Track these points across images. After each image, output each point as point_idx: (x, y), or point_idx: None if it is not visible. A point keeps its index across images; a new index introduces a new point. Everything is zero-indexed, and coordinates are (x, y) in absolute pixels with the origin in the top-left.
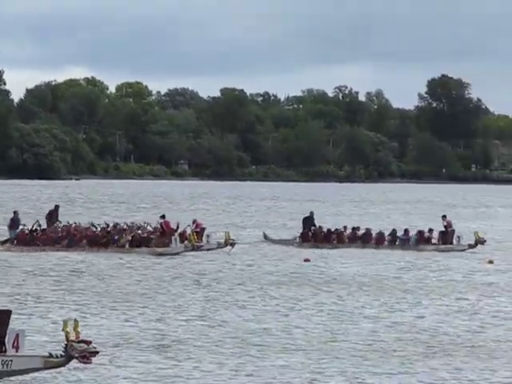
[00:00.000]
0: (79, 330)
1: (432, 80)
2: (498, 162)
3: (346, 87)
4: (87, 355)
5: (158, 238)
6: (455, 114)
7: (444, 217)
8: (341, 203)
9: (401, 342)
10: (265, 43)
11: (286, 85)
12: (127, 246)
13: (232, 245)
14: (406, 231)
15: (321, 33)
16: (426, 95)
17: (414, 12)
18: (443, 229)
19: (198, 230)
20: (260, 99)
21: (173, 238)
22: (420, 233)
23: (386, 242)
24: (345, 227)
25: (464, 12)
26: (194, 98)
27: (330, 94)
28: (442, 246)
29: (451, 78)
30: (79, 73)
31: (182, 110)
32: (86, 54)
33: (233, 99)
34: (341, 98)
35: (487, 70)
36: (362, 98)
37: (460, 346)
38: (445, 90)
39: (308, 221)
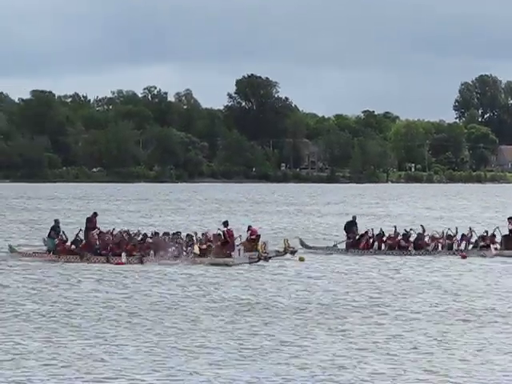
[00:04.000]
0: None
1: (240, 80)
2: (307, 160)
3: (155, 88)
4: None
5: (218, 248)
6: (264, 113)
7: (510, 219)
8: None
9: None
10: (73, 44)
11: (95, 86)
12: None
13: (292, 253)
14: (464, 236)
15: (128, 33)
16: (234, 95)
17: (218, 12)
18: (507, 232)
19: (253, 237)
20: (69, 100)
21: (236, 247)
22: (482, 237)
23: (440, 247)
24: (395, 232)
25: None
26: (4, 100)
27: (140, 95)
28: (506, 252)
29: (259, 77)
30: None
31: None
32: None
33: (42, 101)
34: (150, 98)
35: (294, 70)
36: (171, 98)
37: None
38: (253, 89)
39: (351, 226)
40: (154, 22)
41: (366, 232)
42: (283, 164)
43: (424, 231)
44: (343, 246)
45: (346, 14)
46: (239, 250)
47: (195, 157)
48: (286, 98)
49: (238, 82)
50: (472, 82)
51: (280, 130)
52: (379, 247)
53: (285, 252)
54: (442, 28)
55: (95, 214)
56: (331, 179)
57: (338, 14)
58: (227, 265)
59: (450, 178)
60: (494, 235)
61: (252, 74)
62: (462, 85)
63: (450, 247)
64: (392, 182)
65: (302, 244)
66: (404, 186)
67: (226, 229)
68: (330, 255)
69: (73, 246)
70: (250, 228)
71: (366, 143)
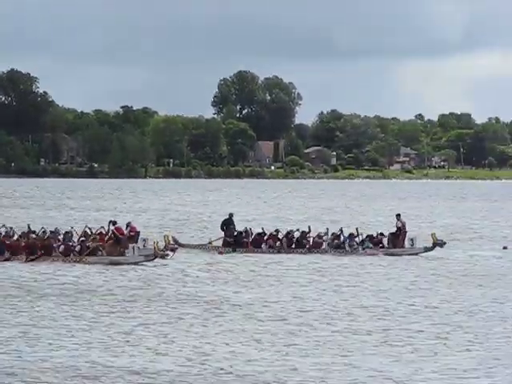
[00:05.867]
0: None
1: None
2: (67, 155)
3: None
4: None
5: (111, 246)
6: (23, 108)
7: (398, 216)
8: None
9: None
10: None
11: None
12: (72, 255)
13: (173, 250)
14: (352, 235)
15: None
16: None
17: None
18: (394, 230)
19: (132, 233)
20: None
21: (130, 245)
22: (369, 236)
23: (325, 246)
24: (277, 230)
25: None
26: None
27: None
28: (393, 250)
29: (19, 72)
30: None
31: None
32: None
33: None
34: None
35: (53, 65)
36: None
37: None
38: (13, 84)
39: (228, 223)
40: None
41: (246, 230)
42: (42, 159)
43: (309, 231)
44: (219, 243)
45: (111, 11)
46: (133, 247)
47: None
48: (45, 93)
49: None
50: (230, 77)
51: (39, 125)
52: (259, 245)
53: (165, 249)
54: (202, 24)
55: None
56: (90, 174)
57: (103, 11)
58: (121, 263)
59: (209, 173)
60: (382, 234)
61: (12, 69)
62: (220, 81)
63: (338, 246)
64: (150, 177)
65: (175, 241)
66: (161, 182)
67: (114, 227)
68: (207, 253)
69: None
70: (128, 225)
71: (125, 138)
